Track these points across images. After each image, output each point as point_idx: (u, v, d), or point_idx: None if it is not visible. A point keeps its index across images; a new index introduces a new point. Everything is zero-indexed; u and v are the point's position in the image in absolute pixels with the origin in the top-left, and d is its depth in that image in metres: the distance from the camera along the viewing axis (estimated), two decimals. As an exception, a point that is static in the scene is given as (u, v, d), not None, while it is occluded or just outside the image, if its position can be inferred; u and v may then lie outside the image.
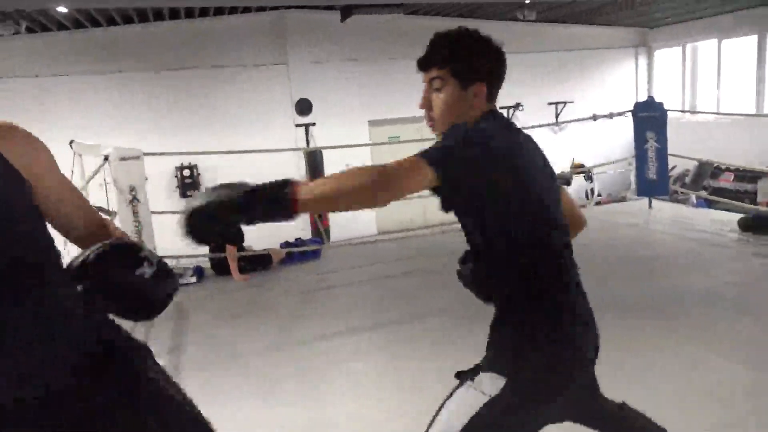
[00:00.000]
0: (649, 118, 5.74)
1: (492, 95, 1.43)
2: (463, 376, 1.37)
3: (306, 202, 1.11)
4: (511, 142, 1.35)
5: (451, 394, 1.37)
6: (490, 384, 1.30)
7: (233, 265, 5.22)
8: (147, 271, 1.10)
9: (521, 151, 1.35)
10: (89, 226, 1.20)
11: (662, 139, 5.72)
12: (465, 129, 1.35)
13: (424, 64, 1.42)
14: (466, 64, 1.38)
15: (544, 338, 1.32)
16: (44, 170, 1.09)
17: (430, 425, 1.36)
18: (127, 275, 1.10)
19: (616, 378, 2.03)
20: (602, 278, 4.39)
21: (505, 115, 11.60)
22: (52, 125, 7.96)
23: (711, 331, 3.34)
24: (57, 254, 1.08)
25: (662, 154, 5.74)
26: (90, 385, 1.07)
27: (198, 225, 1.13)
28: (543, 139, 8.82)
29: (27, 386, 1.01)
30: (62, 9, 6.52)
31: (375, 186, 1.13)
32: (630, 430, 1.58)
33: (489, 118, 1.40)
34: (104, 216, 1.29)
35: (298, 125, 9.49)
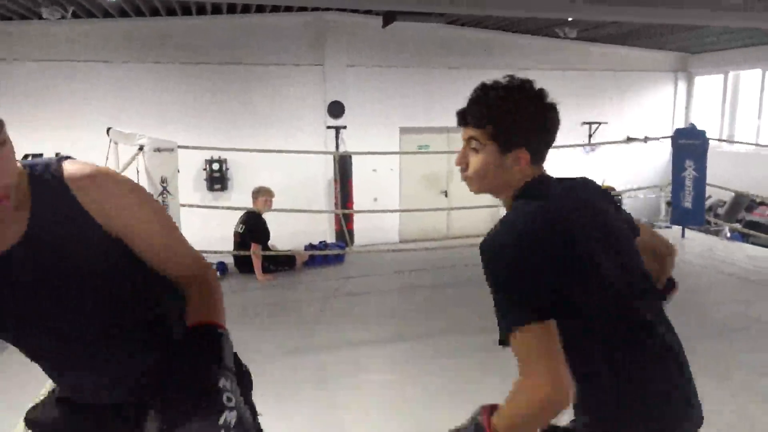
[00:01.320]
0: (690, 145, 5.61)
1: (538, 158, 1.29)
2: None
3: None
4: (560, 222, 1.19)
5: None
6: None
7: (257, 264, 5.22)
8: (227, 417, 0.93)
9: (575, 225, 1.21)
10: (184, 266, 1.13)
11: (701, 167, 5.58)
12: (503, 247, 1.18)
13: (461, 120, 1.29)
14: (506, 127, 1.23)
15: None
16: (125, 210, 1.05)
17: None
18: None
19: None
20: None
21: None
22: (92, 110, 8.11)
23: (744, 369, 3.23)
24: (152, 287, 1.13)
25: (700, 183, 5.60)
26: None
27: None
28: (574, 159, 8.79)
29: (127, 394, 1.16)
30: (109, -3, 6.63)
31: (553, 396, 1.04)
32: None
33: (530, 195, 1.25)
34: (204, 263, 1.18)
35: (329, 127, 9.50)
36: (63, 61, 8.06)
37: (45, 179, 1.02)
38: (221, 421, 0.92)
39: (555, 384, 1.04)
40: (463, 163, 1.30)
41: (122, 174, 1.11)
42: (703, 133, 5.65)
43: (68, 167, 1.03)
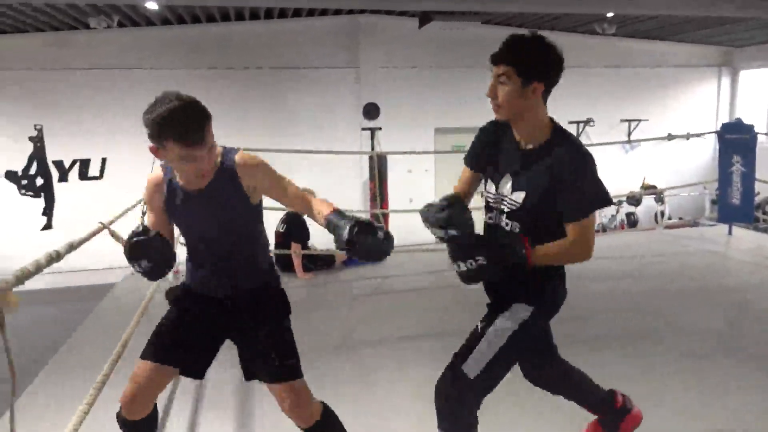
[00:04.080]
0: (737, 140, 5.43)
1: (547, 94, 1.73)
2: (494, 312, 1.87)
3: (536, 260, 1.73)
4: None
5: (484, 330, 1.84)
6: (521, 311, 1.81)
7: (297, 262, 5.30)
8: (380, 233, 1.70)
9: None
10: (298, 202, 1.96)
11: (749, 163, 5.40)
12: (590, 165, 1.73)
13: (495, 60, 1.71)
14: (528, 65, 1.66)
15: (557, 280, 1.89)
16: (264, 184, 1.91)
17: (465, 357, 1.81)
18: (375, 241, 1.69)
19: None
20: (680, 306, 4.18)
21: (575, 130, 11.30)
22: (137, 116, 8.36)
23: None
24: (262, 239, 2.04)
25: (748, 178, 5.42)
26: (256, 299, 2.00)
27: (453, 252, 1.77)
28: (613, 156, 8.61)
29: (233, 290, 1.98)
30: (152, 6, 6.83)
31: (589, 253, 1.73)
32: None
33: (567, 131, 1.79)
34: (307, 194, 1.98)
35: (364, 129, 9.56)
36: (109, 69, 8.35)
37: (228, 159, 1.87)
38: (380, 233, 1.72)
39: (589, 256, 1.73)
40: (493, 94, 1.73)
41: (262, 161, 1.91)
42: (751, 127, 5.46)
43: (238, 157, 1.88)
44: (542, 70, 1.68)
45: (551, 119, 1.80)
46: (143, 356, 1.90)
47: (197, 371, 2.00)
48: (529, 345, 1.90)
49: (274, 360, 1.92)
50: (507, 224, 1.83)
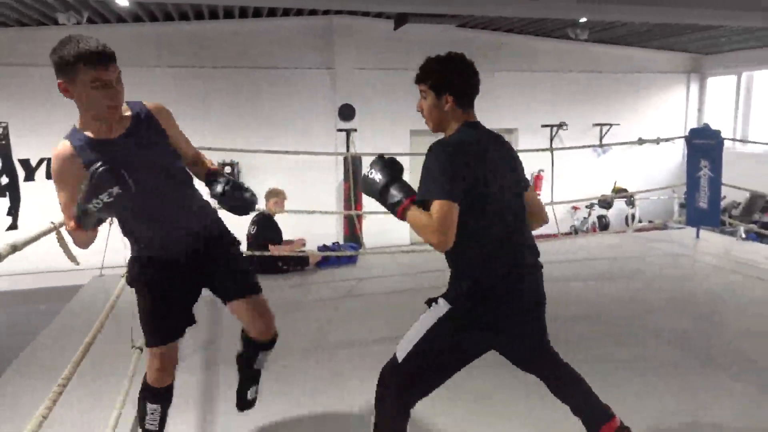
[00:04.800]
0: (705, 145, 5.56)
1: (463, 103, 1.94)
2: (429, 303, 1.98)
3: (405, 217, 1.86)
4: (477, 149, 1.87)
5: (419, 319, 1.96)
6: (442, 307, 1.91)
7: (282, 250, 5.46)
8: (247, 194, 2.08)
9: (485, 155, 1.88)
10: (193, 156, 2.19)
11: (716, 168, 5.53)
12: (443, 148, 1.85)
13: (416, 80, 1.99)
14: (437, 80, 1.92)
15: (474, 284, 1.90)
16: (174, 130, 2.08)
17: (401, 342, 1.96)
18: (243, 196, 2.07)
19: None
20: (649, 310, 4.25)
21: (549, 134, 11.37)
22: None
23: (751, 371, 3.19)
24: (191, 177, 2.16)
25: (715, 183, 5.54)
26: (206, 243, 2.17)
27: (364, 186, 1.97)
28: (585, 160, 8.74)
29: (186, 244, 2.12)
30: (123, 2, 6.70)
31: (437, 234, 1.76)
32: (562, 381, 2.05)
33: (462, 130, 1.93)
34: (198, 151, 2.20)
35: (339, 130, 9.53)
36: (78, 65, 8.16)
37: (137, 106, 1.99)
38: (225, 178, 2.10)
39: (444, 244, 1.77)
40: (420, 108, 2.00)
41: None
42: (717, 132, 5.59)
43: (148, 104, 2.02)
44: (450, 82, 1.92)
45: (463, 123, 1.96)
46: (151, 345, 2.13)
47: (191, 321, 2.22)
48: (442, 345, 1.91)
49: (245, 277, 2.22)
50: None
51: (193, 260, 2.14)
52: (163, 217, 2.04)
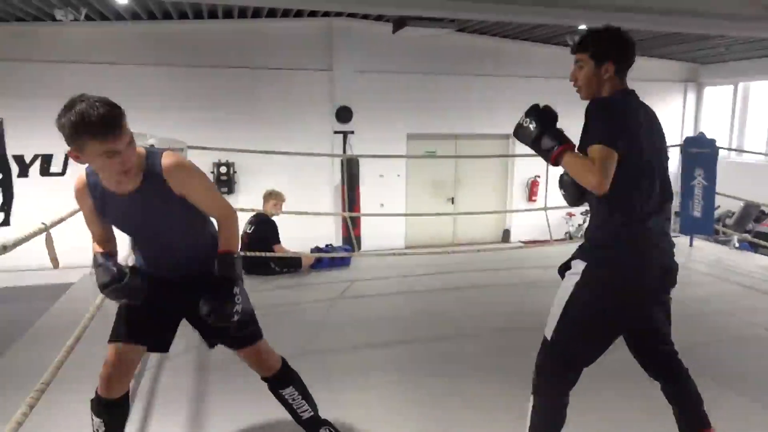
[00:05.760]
0: (699, 154, 5.57)
1: (621, 72, 1.98)
2: (562, 272, 2.01)
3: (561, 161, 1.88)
4: (636, 114, 1.91)
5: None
6: (579, 266, 1.92)
7: (284, 251, 5.49)
8: (237, 307, 1.98)
9: (638, 120, 1.90)
10: (218, 215, 2.05)
11: (711, 176, 5.54)
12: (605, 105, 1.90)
13: (573, 50, 2.04)
14: (598, 49, 1.96)
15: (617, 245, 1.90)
16: (191, 189, 1.95)
17: (547, 321, 1.96)
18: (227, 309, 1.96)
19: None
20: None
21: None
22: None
23: (742, 380, 3.19)
24: (207, 226, 2.11)
25: (710, 192, 5.56)
26: (206, 281, 2.00)
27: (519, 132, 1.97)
28: (587, 166, 8.29)
29: (182, 276, 2.08)
30: (122, 0, 6.68)
31: (598, 175, 1.75)
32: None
33: (620, 95, 1.96)
34: (223, 212, 2.05)
35: (336, 132, 9.53)
36: (75, 62, 8.13)
37: (154, 161, 1.89)
38: (233, 303, 1.95)
39: (602, 186, 1.76)
40: (574, 78, 2.03)
41: (190, 162, 1.97)
42: (713, 141, 5.61)
43: (164, 160, 1.89)
44: (611, 51, 1.96)
45: None
46: (111, 339, 2.02)
47: (162, 345, 2.15)
48: (591, 306, 1.89)
49: (233, 332, 2.09)
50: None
51: (180, 295, 2.06)
52: (155, 256, 2.08)
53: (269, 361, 2.25)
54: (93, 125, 1.66)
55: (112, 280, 1.90)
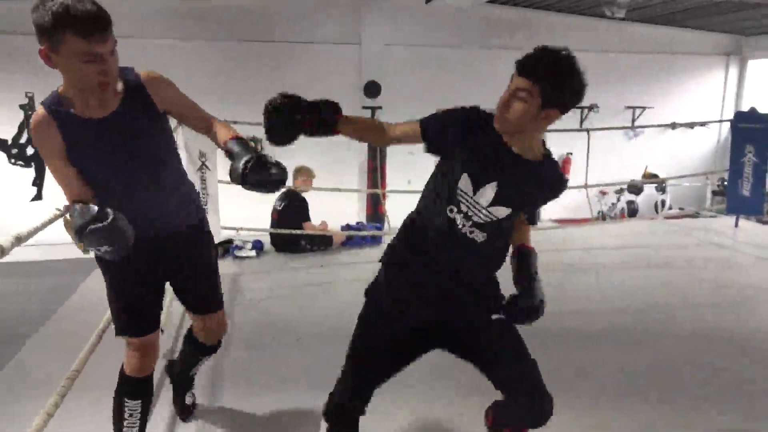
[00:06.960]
0: (751, 129, 5.27)
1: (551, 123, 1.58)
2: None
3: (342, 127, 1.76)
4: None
5: None
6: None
7: (314, 228, 5.40)
8: (273, 170, 1.68)
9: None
10: (202, 124, 1.90)
11: (762, 153, 5.25)
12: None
13: (521, 71, 1.50)
14: (555, 90, 1.48)
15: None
16: (173, 100, 1.83)
17: None
18: (267, 175, 1.67)
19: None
20: (692, 305, 4.04)
21: (579, 115, 10.98)
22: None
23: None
24: (182, 167, 1.99)
25: (760, 170, 5.27)
26: (189, 240, 1.99)
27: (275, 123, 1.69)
28: (617, 144, 8.40)
29: (165, 226, 1.90)
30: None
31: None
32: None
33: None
34: (210, 117, 1.92)
35: (364, 108, 9.34)
36: (102, 36, 8.06)
37: (129, 76, 1.73)
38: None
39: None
40: (505, 108, 1.54)
41: (164, 77, 1.81)
42: (766, 116, 5.30)
43: (141, 72, 1.76)
44: (567, 97, 1.52)
45: None
46: (122, 334, 1.93)
47: (157, 324, 2.04)
48: (366, 331, 1.91)
49: (211, 296, 2.10)
50: (471, 232, 1.65)
51: (163, 259, 1.93)
52: (135, 204, 1.76)
53: (224, 329, 2.24)
54: (77, 19, 1.42)
55: (92, 219, 1.52)
